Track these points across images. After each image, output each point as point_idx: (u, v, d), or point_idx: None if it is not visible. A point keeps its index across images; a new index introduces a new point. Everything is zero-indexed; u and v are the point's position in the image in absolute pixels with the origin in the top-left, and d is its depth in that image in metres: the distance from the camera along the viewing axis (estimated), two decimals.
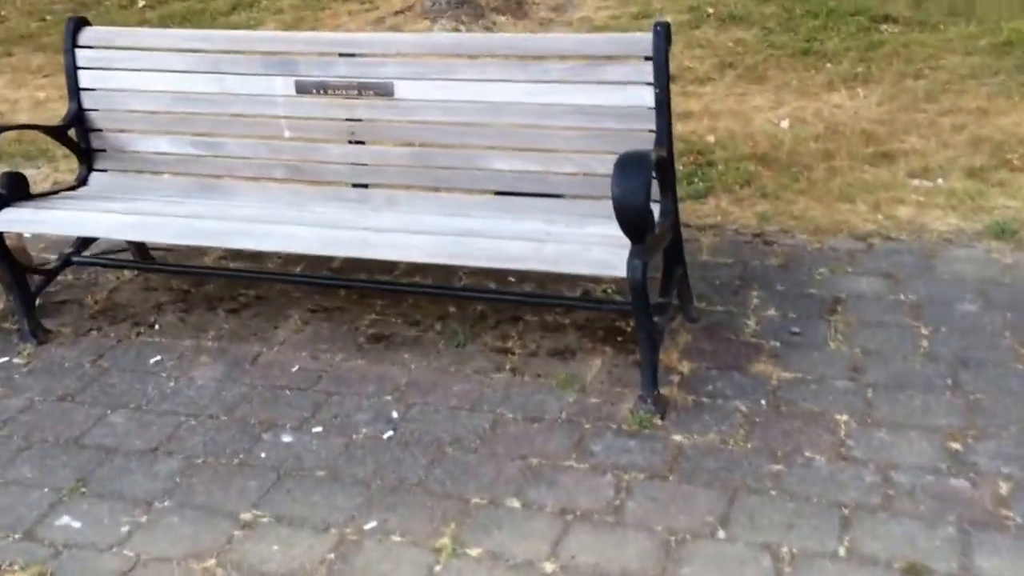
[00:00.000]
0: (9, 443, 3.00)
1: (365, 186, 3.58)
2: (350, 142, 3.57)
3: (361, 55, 3.49)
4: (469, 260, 3.06)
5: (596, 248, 2.95)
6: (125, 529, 2.64)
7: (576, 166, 3.37)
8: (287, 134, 3.60)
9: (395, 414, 3.08)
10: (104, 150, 3.79)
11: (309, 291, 3.78)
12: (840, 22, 6.34)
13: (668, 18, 6.48)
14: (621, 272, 2.87)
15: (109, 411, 3.14)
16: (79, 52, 3.72)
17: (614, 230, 2.91)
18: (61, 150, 4.42)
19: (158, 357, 3.42)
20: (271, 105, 3.58)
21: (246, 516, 2.67)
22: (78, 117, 3.75)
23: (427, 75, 3.44)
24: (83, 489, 2.79)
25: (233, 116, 3.65)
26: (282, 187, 3.65)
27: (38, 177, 4.93)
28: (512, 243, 3.02)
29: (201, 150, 3.70)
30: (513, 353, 3.37)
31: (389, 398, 3.16)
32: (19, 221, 3.40)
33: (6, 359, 3.45)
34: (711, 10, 6.56)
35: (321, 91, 3.51)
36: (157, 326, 3.62)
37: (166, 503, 2.73)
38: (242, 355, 3.42)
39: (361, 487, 2.76)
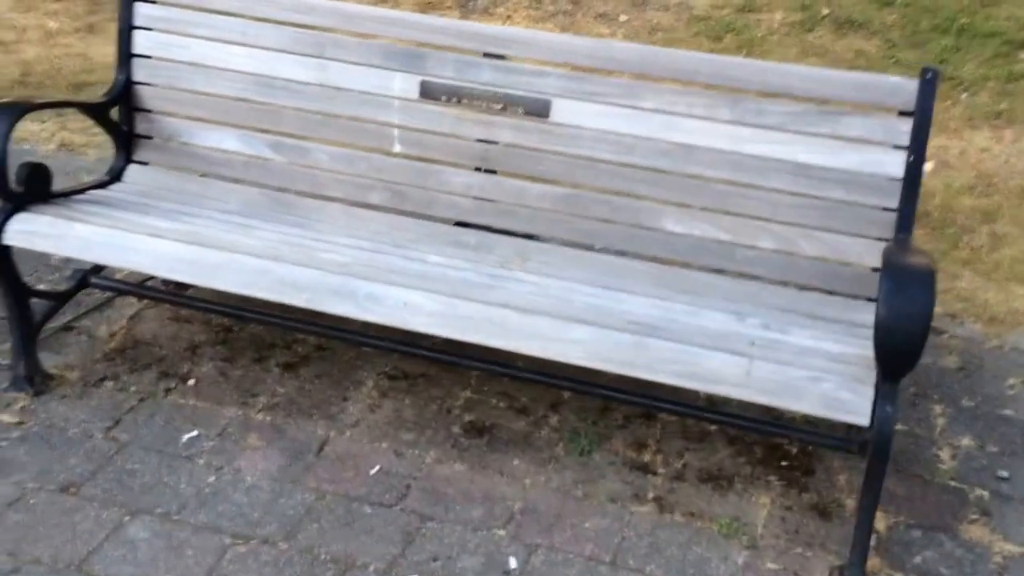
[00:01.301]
0: None
1: (486, 228, 2.76)
2: (477, 169, 2.75)
3: (514, 58, 2.66)
4: (653, 374, 2.24)
5: (827, 379, 2.16)
6: None
7: (777, 242, 2.58)
8: (397, 148, 2.78)
9: (513, 562, 2.30)
10: (150, 137, 2.95)
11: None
12: (974, 43, 5.52)
13: (778, 16, 5.66)
14: (862, 419, 2.11)
15: (127, 517, 2.34)
16: (138, 6, 2.86)
17: (829, 343, 2.22)
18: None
19: (194, 432, 2.62)
20: (383, 108, 2.76)
21: None
22: (125, 92, 2.89)
23: (598, 95, 2.62)
24: None
25: (329, 116, 2.81)
26: (378, 216, 2.81)
27: (42, 135, 4.04)
28: (710, 355, 2.22)
29: (281, 154, 2.87)
30: (654, 472, 2.61)
31: (502, 532, 2.39)
32: (34, 234, 2.56)
33: None
34: (826, 11, 5.72)
35: (453, 99, 2.69)
36: (192, 380, 2.81)
37: None
38: (304, 440, 2.62)
39: None
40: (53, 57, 4.92)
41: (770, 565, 2.36)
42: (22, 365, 2.71)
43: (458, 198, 2.77)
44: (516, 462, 2.61)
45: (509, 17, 5.72)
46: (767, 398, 2.17)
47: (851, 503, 2.54)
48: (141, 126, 2.93)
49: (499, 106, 2.67)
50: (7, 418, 2.63)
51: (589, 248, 2.75)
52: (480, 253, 2.69)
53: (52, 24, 5.20)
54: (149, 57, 2.90)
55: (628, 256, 2.72)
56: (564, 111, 2.64)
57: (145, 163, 2.95)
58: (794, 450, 2.72)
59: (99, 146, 3.99)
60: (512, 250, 2.72)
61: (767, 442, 2.74)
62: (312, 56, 2.79)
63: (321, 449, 2.60)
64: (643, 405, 2.64)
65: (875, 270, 2.51)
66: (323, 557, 2.27)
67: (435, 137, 2.76)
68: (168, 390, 2.77)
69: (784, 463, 2.69)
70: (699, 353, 2.22)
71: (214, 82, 2.87)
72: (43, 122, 4.19)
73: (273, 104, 2.84)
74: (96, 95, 3.01)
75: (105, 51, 4.93)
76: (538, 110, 2.65)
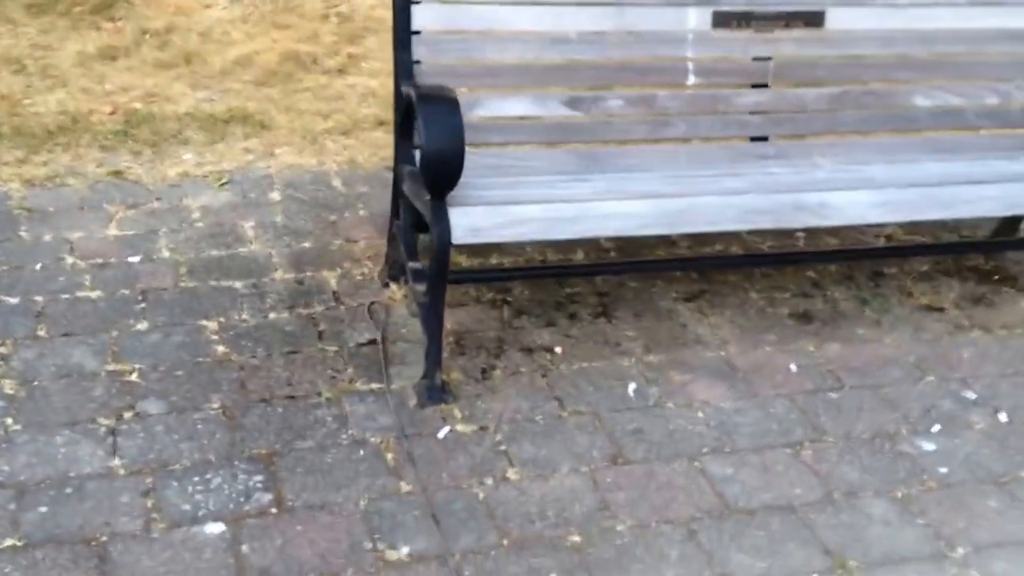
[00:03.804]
0: None
1: (765, 138, 3.05)
2: (761, 85, 3.00)
3: None
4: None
5: None
6: None
7: (999, 97, 3.16)
8: (692, 80, 2.93)
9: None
10: None
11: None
12: None
13: None
14: None
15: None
16: None
17: None
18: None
19: (632, 384, 2.71)
20: (678, 45, 2.89)
21: None
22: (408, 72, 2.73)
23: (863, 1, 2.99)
24: None
25: (625, 62, 2.88)
26: (682, 148, 2.98)
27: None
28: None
29: (578, 110, 2.89)
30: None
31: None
32: (479, 229, 2.44)
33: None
34: None
35: (743, 22, 2.90)
36: (558, 348, 2.84)
37: None
38: (711, 358, 2.82)
39: None
40: None
41: None
42: (437, 374, 2.59)
43: (747, 116, 3.02)
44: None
45: None
46: None
47: None
48: None
49: (783, 23, 2.95)
50: (462, 428, 2.54)
51: (863, 133, 3.17)
52: (788, 160, 2.99)
53: None
54: (419, 32, 2.75)
55: (890, 132, 3.18)
56: (837, 19, 2.98)
57: None
58: None
59: None
60: (806, 151, 3.05)
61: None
62: (608, 4, 2.84)
63: (733, 364, 2.82)
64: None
65: None
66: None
67: (725, 63, 2.97)
68: (546, 363, 2.79)
69: None
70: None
71: (503, 48, 2.81)
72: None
73: (567, 60, 2.86)
74: None
75: None
76: (816, 21, 2.97)
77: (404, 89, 2.67)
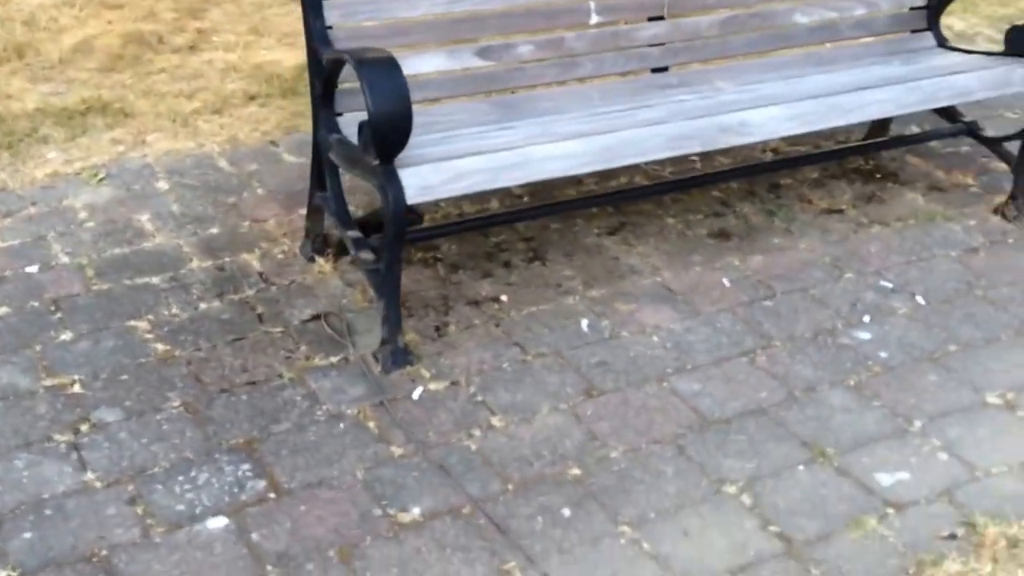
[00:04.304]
0: None
1: (665, 69, 3.15)
2: (649, 19, 3.10)
3: None
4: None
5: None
6: None
7: (866, 8, 3.37)
8: (594, 20, 2.99)
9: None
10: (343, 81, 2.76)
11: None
12: None
13: None
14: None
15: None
16: None
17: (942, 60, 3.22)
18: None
19: (584, 320, 2.78)
20: None
21: None
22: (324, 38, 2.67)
23: None
24: None
25: (529, 8, 2.91)
26: (591, 88, 3.05)
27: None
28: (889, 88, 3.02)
29: (489, 59, 2.90)
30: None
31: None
32: (429, 187, 2.44)
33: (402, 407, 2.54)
34: None
35: None
36: (504, 297, 2.89)
37: None
38: (645, 283, 2.93)
39: None
40: None
41: None
42: (399, 337, 2.59)
43: (647, 49, 3.11)
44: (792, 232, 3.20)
45: None
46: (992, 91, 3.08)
47: None
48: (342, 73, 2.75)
49: None
50: (435, 386, 2.55)
51: (754, 55, 3.33)
52: (692, 87, 3.11)
53: None
54: None
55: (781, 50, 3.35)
56: None
57: (339, 114, 2.78)
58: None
59: None
60: (706, 76, 3.18)
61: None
62: None
63: (670, 287, 2.94)
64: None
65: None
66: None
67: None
68: (495, 312, 2.83)
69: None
70: (898, 89, 3.03)
71: (415, 4, 2.79)
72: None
73: (475, 11, 2.87)
74: None
75: None
76: None
77: (327, 56, 2.61)
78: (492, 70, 2.94)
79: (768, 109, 2.82)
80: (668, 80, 3.11)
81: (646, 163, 3.40)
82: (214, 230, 3.20)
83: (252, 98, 4.03)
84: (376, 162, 2.42)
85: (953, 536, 2.14)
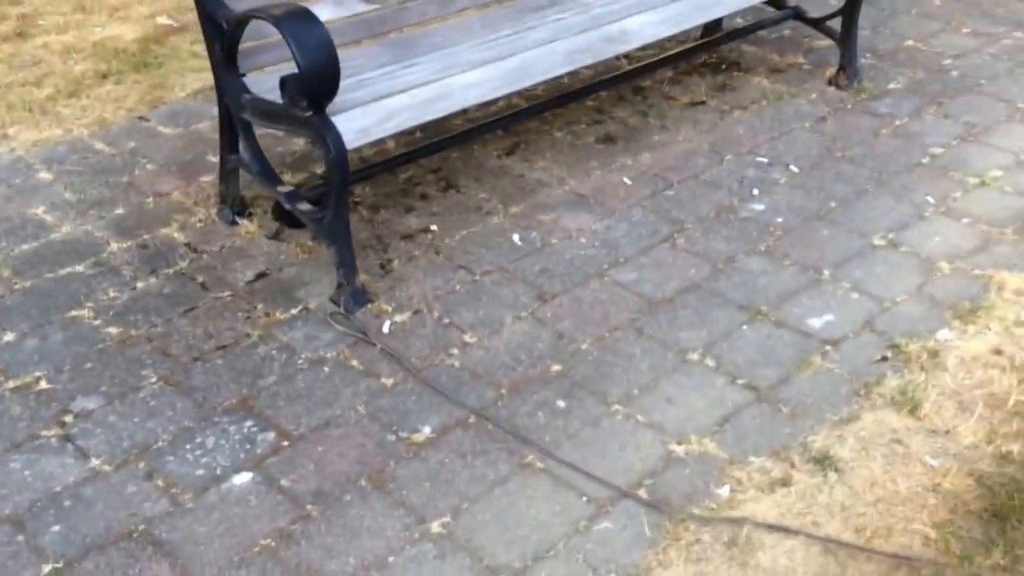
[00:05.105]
0: None
1: None
2: None
3: None
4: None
5: None
6: None
7: None
8: None
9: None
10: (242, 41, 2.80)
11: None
12: None
13: None
14: None
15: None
16: None
17: None
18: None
19: (520, 237, 2.98)
20: None
21: None
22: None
23: None
24: None
25: None
26: (471, 20, 3.20)
27: None
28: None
29: (375, 3, 3.00)
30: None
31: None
32: (366, 131, 2.56)
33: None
34: None
35: None
36: (435, 229, 3.04)
37: None
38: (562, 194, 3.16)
39: None
40: None
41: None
42: (355, 278, 2.71)
43: None
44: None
45: None
46: None
47: None
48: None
49: None
50: (400, 318, 2.69)
51: None
52: (562, 5, 3.30)
53: None
54: None
55: None
56: None
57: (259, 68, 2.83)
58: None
59: None
60: None
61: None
62: None
63: (580, 193, 3.18)
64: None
65: None
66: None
67: None
68: (430, 242, 2.99)
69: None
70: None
71: None
72: None
73: None
74: None
75: None
76: None
77: (229, 18, 2.65)
78: (379, 13, 3.04)
79: (641, 16, 3.07)
80: (539, 2, 3.29)
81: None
82: (119, 211, 3.18)
83: (104, 76, 3.93)
84: (308, 113, 2.50)
85: (885, 358, 2.50)
